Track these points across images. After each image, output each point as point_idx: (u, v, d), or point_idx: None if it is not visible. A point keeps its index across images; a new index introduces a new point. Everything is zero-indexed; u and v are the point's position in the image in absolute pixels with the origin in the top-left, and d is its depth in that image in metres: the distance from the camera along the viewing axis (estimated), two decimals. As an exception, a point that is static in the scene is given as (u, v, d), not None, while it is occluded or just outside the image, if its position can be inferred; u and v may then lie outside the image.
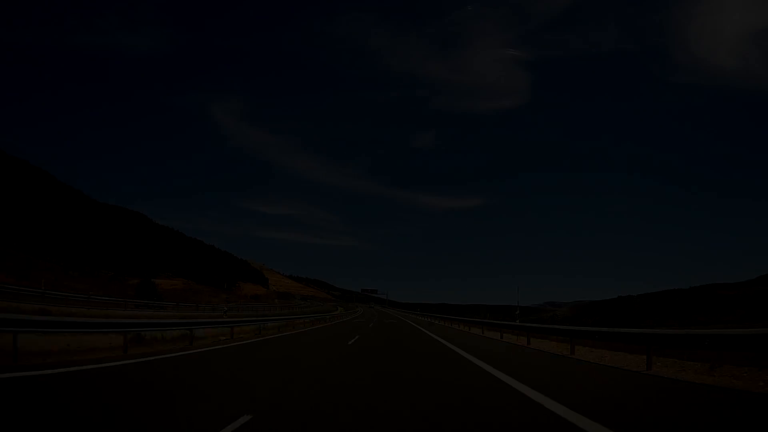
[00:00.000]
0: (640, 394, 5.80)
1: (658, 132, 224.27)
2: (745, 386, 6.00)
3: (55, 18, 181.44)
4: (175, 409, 4.27)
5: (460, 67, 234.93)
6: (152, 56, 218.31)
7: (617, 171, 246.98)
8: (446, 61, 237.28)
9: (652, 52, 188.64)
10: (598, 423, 3.83)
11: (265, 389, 5.65)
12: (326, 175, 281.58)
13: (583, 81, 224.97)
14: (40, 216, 63.46)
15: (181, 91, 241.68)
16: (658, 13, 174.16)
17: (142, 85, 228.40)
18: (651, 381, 6.85)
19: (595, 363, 9.30)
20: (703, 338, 7.07)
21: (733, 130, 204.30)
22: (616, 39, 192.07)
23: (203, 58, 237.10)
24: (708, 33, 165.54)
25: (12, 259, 43.27)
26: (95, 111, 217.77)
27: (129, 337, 10.26)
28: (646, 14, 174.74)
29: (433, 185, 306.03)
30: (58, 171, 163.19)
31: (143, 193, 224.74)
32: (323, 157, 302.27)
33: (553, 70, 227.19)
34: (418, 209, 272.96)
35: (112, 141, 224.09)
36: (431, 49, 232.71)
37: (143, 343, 11.28)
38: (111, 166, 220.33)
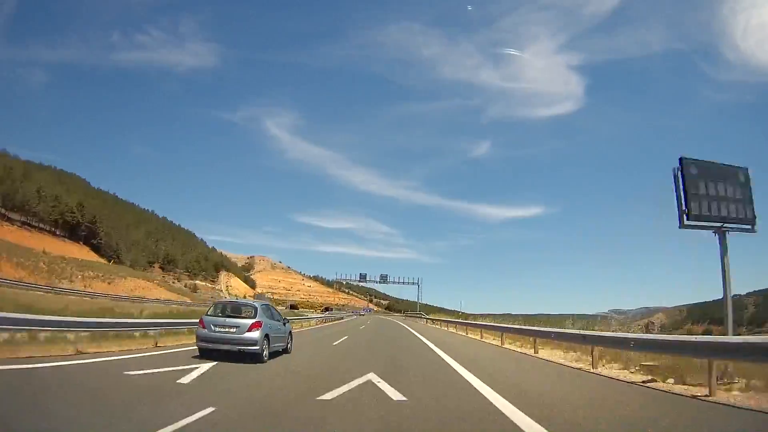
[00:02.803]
0: None
1: (712, 131, 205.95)
2: None
3: (99, 36, 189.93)
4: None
5: (513, 74, 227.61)
6: (200, 72, 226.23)
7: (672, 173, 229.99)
8: (499, 68, 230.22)
9: (701, 51, 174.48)
10: None
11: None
12: (383, 189, 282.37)
13: (637, 82, 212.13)
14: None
15: (232, 106, 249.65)
16: (703, 10, 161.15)
17: (191, 101, 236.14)
18: None
19: None
20: None
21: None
22: (665, 38, 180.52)
23: (253, 73, 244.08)
24: (754, 28, 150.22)
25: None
26: (144, 129, 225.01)
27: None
28: (691, 11, 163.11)
29: (492, 195, 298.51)
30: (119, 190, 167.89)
31: (200, 211, 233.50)
32: (379, 170, 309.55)
33: (606, 73, 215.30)
34: (476, 220, 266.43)
35: (162, 158, 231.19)
36: (483, 56, 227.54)
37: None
38: (163, 183, 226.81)
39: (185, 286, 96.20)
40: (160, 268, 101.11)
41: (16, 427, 3.93)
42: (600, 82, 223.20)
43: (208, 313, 10.10)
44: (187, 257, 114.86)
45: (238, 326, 9.43)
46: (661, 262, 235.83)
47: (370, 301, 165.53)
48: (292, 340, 12.34)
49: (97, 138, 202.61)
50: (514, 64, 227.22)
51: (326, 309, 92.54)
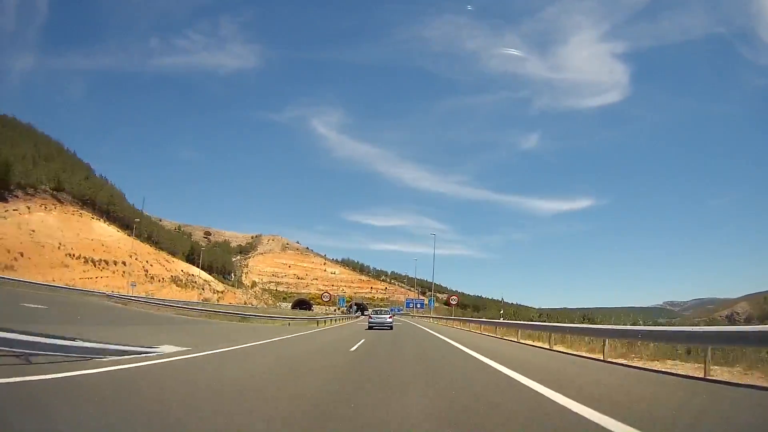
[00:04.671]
0: None
1: (755, 115, 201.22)
2: None
3: (137, 42, 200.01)
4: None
5: (559, 65, 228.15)
6: (243, 74, 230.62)
7: (729, 161, 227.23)
8: (544, 59, 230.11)
9: (740, 34, 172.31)
10: None
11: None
12: (434, 184, 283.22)
13: (681, 69, 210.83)
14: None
15: (278, 107, 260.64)
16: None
17: (236, 103, 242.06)
18: None
19: None
20: None
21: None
22: (705, 23, 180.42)
23: (297, 72, 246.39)
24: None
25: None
26: (187, 132, 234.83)
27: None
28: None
29: (543, 188, 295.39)
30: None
31: (250, 212, 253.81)
32: (429, 166, 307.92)
33: (651, 61, 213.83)
34: (528, 214, 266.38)
35: (208, 161, 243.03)
36: (528, 48, 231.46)
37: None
38: (211, 186, 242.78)
39: None
40: None
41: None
42: (645, 70, 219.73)
43: (370, 314, 28.37)
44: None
45: (383, 317, 27.58)
46: (713, 253, 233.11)
47: (422, 293, 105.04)
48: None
49: (144, 145, 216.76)
50: (560, 54, 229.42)
51: (351, 307, 73.26)
